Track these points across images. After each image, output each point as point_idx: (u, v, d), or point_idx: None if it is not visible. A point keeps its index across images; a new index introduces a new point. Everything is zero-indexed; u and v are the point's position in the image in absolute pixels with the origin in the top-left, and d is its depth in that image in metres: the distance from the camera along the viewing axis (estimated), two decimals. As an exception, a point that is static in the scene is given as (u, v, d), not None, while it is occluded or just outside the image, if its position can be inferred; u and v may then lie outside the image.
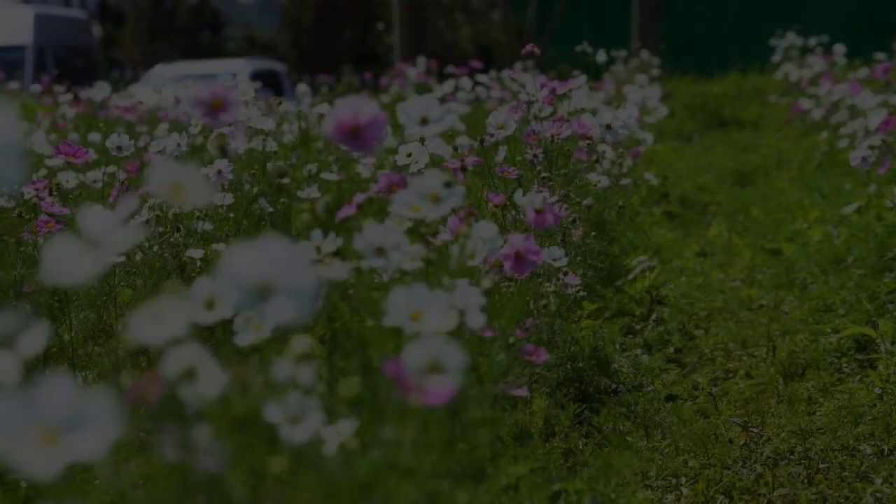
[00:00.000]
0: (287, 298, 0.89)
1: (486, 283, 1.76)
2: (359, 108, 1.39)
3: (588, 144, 3.53)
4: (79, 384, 0.80)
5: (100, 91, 7.35)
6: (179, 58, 15.81)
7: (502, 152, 3.15)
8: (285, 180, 1.53)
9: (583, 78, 5.77)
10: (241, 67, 13.11)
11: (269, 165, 4.62)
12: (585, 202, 3.46)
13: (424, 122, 1.51)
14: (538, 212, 2.04)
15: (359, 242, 1.56)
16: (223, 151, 1.42)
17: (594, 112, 3.71)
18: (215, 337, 2.56)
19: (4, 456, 0.76)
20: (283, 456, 1.21)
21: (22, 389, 0.78)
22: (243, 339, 1.48)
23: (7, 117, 0.91)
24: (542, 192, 2.05)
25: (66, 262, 0.97)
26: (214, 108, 1.46)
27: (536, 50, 3.97)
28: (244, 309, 0.89)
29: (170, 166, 0.98)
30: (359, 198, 1.81)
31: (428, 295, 1.37)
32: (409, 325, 1.37)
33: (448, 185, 1.48)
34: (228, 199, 3.29)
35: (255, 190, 3.43)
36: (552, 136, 3.23)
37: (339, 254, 1.60)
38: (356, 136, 1.39)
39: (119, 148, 3.52)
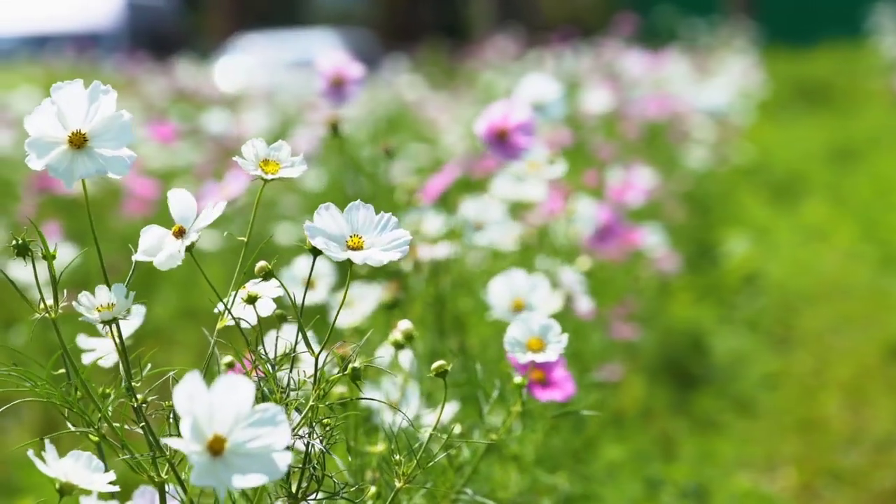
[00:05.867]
0: (378, 248, 0.91)
1: (585, 263, 1.72)
2: (509, 110, 1.33)
3: (683, 122, 3.46)
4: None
5: (185, 71, 7.44)
6: (264, 29, 15.55)
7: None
8: (391, 152, 1.51)
9: (678, 52, 5.66)
10: (332, 40, 12.83)
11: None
12: (681, 180, 3.40)
13: (539, 108, 1.46)
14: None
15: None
16: (335, 130, 1.40)
17: (689, 88, 3.63)
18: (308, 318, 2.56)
19: (186, 451, 0.71)
20: (383, 438, 1.20)
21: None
22: (342, 320, 1.46)
23: (111, 99, 0.90)
24: (630, 169, 2.00)
25: (154, 247, 0.97)
26: (336, 84, 1.44)
27: (630, 23, 3.90)
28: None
29: (260, 143, 0.98)
30: (437, 181, 1.77)
31: (528, 282, 1.33)
32: (511, 318, 1.33)
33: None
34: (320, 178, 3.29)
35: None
36: (647, 114, 3.17)
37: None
38: (503, 140, 1.34)
39: (213, 125, 3.54)
